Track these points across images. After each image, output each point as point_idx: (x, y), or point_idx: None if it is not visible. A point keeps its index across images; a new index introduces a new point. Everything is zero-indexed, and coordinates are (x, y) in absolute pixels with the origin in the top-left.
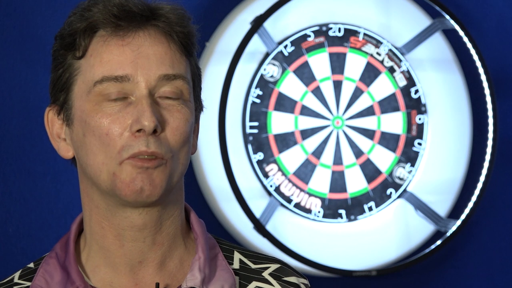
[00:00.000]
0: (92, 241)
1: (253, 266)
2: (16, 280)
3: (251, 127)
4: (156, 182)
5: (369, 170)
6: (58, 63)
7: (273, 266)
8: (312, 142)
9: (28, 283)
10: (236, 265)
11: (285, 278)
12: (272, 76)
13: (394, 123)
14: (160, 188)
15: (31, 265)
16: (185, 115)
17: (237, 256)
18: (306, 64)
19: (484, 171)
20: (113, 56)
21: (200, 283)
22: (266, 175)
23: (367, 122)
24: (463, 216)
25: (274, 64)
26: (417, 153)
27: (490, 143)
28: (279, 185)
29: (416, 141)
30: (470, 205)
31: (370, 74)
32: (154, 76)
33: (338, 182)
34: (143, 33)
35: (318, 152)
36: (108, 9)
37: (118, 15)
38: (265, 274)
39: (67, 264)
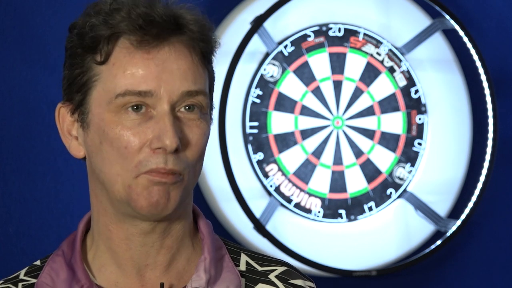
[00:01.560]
0: (99, 240)
1: (259, 268)
2: (22, 276)
3: (251, 127)
4: (171, 196)
5: (369, 170)
6: (75, 62)
7: (280, 269)
8: (312, 142)
9: (34, 280)
10: (242, 267)
11: (292, 281)
12: (272, 76)
13: (394, 123)
14: (175, 203)
15: (38, 262)
16: (203, 129)
17: (243, 258)
18: (306, 64)
19: (484, 171)
20: (137, 70)
21: (205, 284)
22: (266, 175)
23: (367, 122)
24: (463, 216)
25: (274, 64)
26: (417, 153)
27: (490, 143)
28: (279, 185)
29: (416, 141)
30: (470, 205)
31: (370, 74)
32: (177, 92)
33: (338, 182)
34: (168, 47)
35: (318, 152)
36: (133, 19)
37: (143, 27)
38: (272, 277)
39: (73, 262)
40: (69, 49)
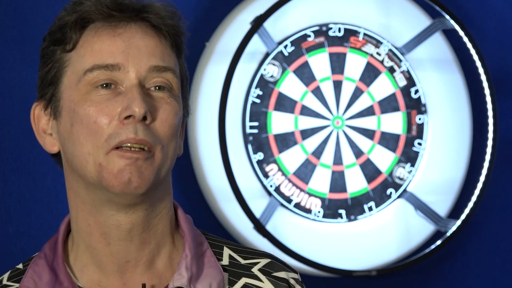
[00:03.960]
0: (80, 239)
1: (242, 261)
2: (5, 282)
3: (251, 127)
4: (144, 174)
5: (369, 170)
6: (46, 59)
7: (263, 261)
8: (312, 142)
9: (17, 285)
10: (225, 261)
11: (275, 274)
12: (272, 76)
13: (394, 123)
14: (148, 181)
15: (20, 266)
16: (174, 107)
17: (226, 251)
18: (306, 64)
19: (484, 171)
20: (105, 46)
21: (187, 282)
22: (266, 175)
23: (367, 122)
24: (463, 216)
25: (274, 64)
26: (417, 153)
27: (490, 143)
28: (279, 185)
29: (416, 141)
30: (470, 205)
31: (370, 74)
32: (145, 67)
33: (338, 182)
34: (135, 26)
35: (318, 152)
36: (100, 2)
37: (110, 6)
38: (255, 270)
39: (55, 265)
40: (41, 52)
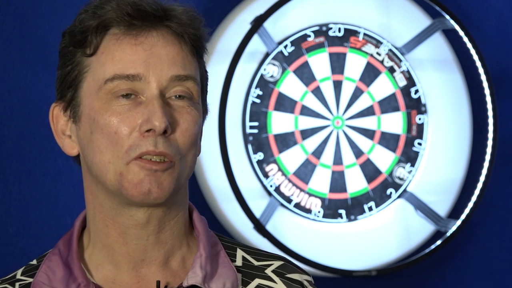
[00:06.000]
0: (96, 238)
1: (256, 263)
2: (18, 276)
3: (251, 127)
4: (164, 184)
5: (369, 170)
6: (66, 60)
7: (276, 263)
8: (312, 142)
9: (31, 279)
10: (238, 262)
11: (288, 275)
12: (272, 76)
13: (394, 123)
14: (168, 191)
15: (34, 262)
16: (194, 117)
17: (239, 253)
18: (306, 64)
19: (484, 171)
20: (126, 55)
21: (202, 280)
22: (266, 175)
23: (367, 122)
24: (463, 216)
25: (274, 64)
26: (417, 153)
27: (490, 143)
28: (279, 185)
29: (416, 141)
30: (470, 205)
31: (370, 74)
32: (166, 77)
33: (338, 182)
34: (156, 33)
35: (318, 152)
36: (121, 8)
37: (132, 14)
38: (268, 271)
39: (69, 261)
40: (61, 50)
